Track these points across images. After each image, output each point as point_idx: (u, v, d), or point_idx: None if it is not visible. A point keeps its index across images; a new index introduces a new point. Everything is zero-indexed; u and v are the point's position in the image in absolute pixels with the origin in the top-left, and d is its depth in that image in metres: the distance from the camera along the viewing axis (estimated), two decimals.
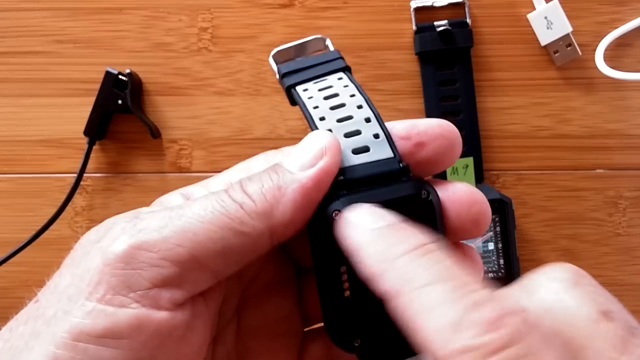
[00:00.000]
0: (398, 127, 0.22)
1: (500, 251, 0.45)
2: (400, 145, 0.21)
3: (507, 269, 0.45)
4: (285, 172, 0.20)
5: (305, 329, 0.25)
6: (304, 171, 0.20)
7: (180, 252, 0.19)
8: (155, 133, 0.48)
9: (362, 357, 0.22)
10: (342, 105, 0.22)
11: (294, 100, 0.24)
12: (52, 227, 0.47)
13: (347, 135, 0.22)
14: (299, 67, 0.24)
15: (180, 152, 0.48)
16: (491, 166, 0.48)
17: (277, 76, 0.25)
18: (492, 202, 0.44)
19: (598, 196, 0.48)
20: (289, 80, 0.24)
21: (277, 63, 0.25)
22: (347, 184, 0.21)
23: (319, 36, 0.26)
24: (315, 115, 0.22)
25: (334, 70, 0.24)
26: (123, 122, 0.48)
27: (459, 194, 0.22)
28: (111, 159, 0.49)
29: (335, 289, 0.21)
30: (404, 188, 0.21)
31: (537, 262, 0.48)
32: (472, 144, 0.47)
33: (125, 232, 0.19)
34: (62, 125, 0.48)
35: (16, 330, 0.19)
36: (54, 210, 0.47)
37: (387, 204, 0.20)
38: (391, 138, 0.21)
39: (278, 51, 0.25)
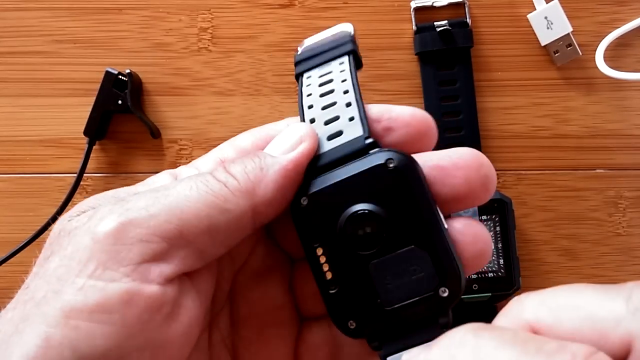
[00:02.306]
0: (373, 109, 0.23)
1: (500, 251, 0.45)
2: (370, 127, 0.22)
3: (507, 269, 0.45)
4: (267, 155, 0.22)
5: (306, 319, 0.25)
6: (285, 154, 0.22)
7: (168, 228, 0.20)
8: (155, 133, 0.48)
9: (356, 336, 0.21)
10: (332, 91, 0.23)
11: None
12: (52, 227, 0.47)
13: (327, 122, 0.23)
14: (310, 55, 0.25)
15: (180, 152, 0.48)
16: None
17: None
18: (492, 202, 0.44)
19: (598, 196, 0.48)
20: (298, 69, 0.25)
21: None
22: (321, 169, 0.22)
23: (344, 25, 0.26)
24: (305, 103, 0.24)
25: (339, 55, 0.25)
26: (123, 122, 0.48)
27: (465, 157, 0.21)
28: (111, 159, 0.49)
29: (319, 272, 0.21)
30: (367, 161, 0.21)
31: (537, 262, 0.48)
32: (472, 144, 0.47)
33: (113, 211, 0.20)
34: (62, 125, 0.48)
35: (4, 316, 0.20)
36: (54, 210, 0.47)
37: (350, 180, 0.21)
38: (366, 118, 0.22)
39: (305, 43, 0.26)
